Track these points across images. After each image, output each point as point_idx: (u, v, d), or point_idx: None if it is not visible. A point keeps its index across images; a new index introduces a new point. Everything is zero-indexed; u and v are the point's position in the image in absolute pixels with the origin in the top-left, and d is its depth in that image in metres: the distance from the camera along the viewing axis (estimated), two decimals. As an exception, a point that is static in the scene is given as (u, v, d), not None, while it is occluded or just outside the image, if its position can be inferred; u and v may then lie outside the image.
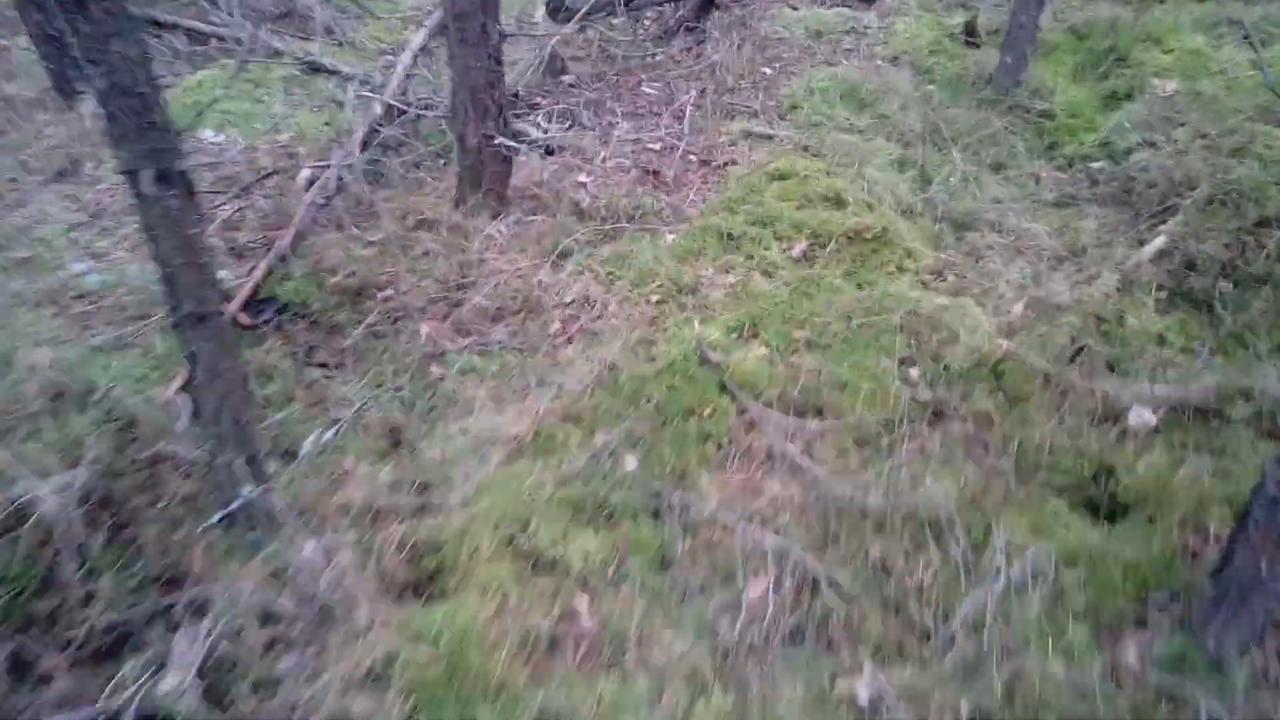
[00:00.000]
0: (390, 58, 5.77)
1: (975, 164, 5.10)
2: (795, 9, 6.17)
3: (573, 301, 3.81)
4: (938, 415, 3.28)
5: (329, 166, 4.41)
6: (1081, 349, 3.75)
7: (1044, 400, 3.41)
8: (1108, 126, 5.28)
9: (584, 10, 5.61)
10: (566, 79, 5.74)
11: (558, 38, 5.43)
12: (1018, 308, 3.93)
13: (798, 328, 3.57)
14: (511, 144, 4.10)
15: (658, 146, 4.94)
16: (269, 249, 4.02)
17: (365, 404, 3.55)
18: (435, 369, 3.71)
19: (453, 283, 4.09)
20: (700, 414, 3.17)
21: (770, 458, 3.10)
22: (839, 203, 4.31)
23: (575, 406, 3.19)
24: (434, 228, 4.29)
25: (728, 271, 3.90)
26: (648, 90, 5.65)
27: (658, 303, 3.72)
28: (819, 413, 3.27)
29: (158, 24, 5.72)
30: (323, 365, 3.79)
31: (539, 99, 5.61)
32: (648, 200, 4.28)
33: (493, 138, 4.08)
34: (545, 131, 4.94)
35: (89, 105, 4.90)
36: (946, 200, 4.69)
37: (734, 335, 3.55)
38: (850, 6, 6.50)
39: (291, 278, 3.92)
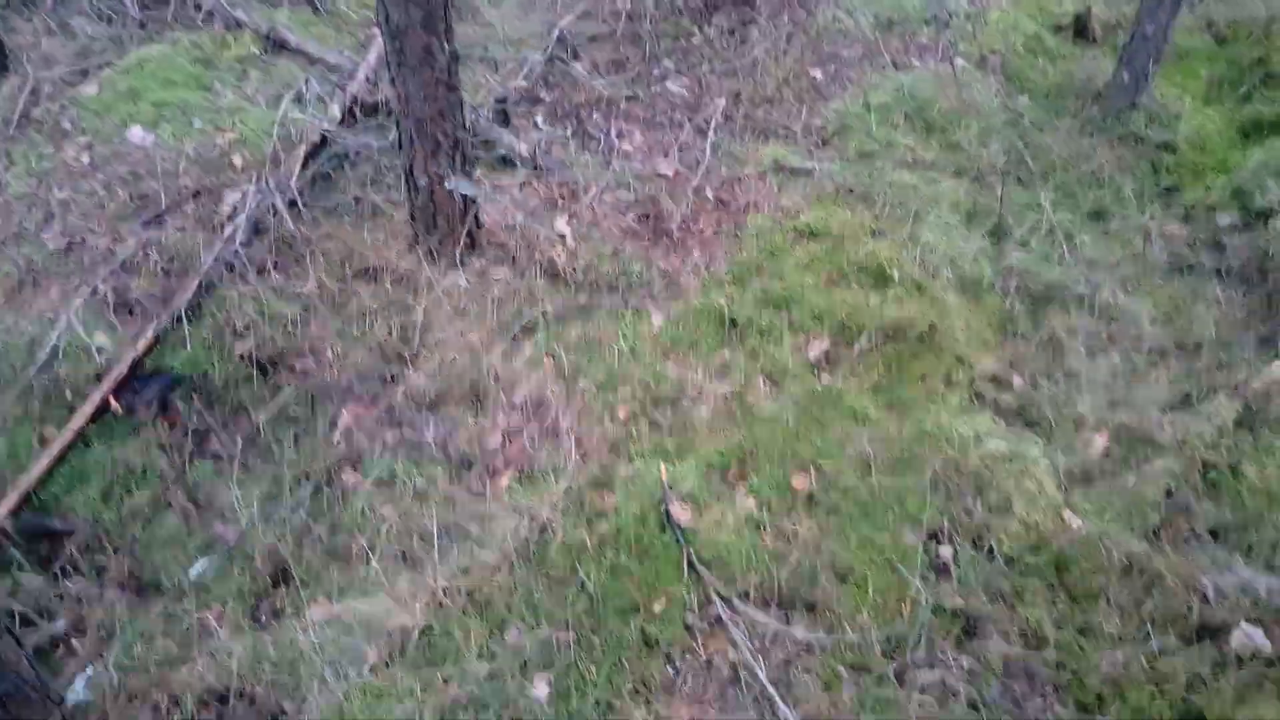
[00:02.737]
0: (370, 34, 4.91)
1: (1069, 210, 4.08)
2: (866, -13, 5.08)
3: (523, 404, 3.02)
4: (970, 630, 2.43)
5: (261, 190, 3.64)
6: (1176, 509, 2.86)
7: (1119, 597, 2.53)
8: (1245, 169, 4.17)
9: (602, -14, 4.65)
10: (578, 66, 4.82)
11: (566, 21, 4.50)
12: (1099, 443, 3.01)
13: (799, 472, 2.73)
14: (466, 190, 3.26)
15: (670, 172, 4.03)
16: (167, 303, 3.29)
17: (251, 523, 2.86)
18: (349, 476, 2.98)
19: (390, 352, 3.33)
20: (649, 609, 2.38)
21: (734, 683, 2.32)
22: (880, 278, 3.38)
23: (486, 585, 2.42)
24: (378, 278, 3.52)
25: (722, 376, 3.05)
26: (673, 88, 4.70)
27: (626, 418, 2.90)
28: (810, 610, 2.45)
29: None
30: (216, 457, 3.09)
31: (542, 93, 4.71)
32: (636, 266, 3.42)
33: (445, 178, 3.25)
34: (536, 144, 4.07)
35: None
36: (1025, 265, 3.71)
37: (715, 478, 2.72)
38: (935, -16, 5.36)
39: (189, 344, 3.20)
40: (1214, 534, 2.78)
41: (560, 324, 3.27)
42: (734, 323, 3.20)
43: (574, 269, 3.41)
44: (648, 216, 3.72)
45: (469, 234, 3.49)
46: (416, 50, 2.99)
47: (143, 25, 4.79)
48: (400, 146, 3.29)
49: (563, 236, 3.51)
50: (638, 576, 2.43)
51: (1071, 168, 4.25)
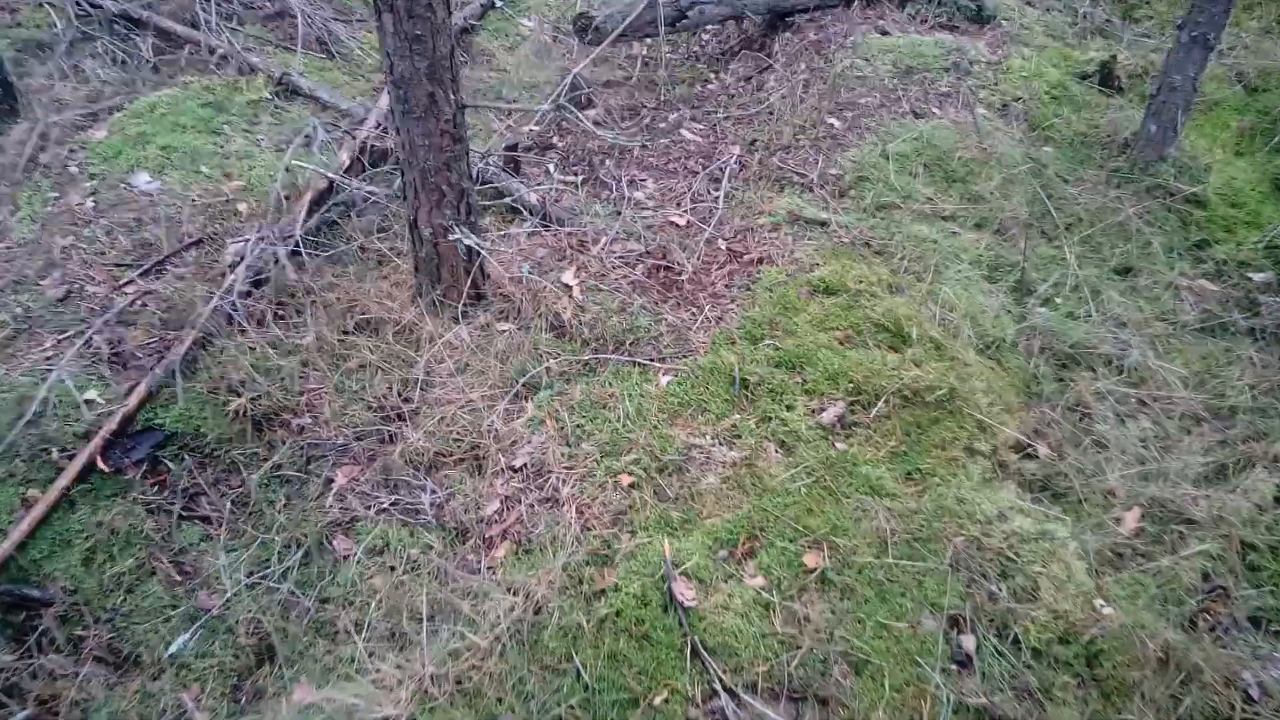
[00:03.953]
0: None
1: (1095, 265, 3.94)
2: (886, 33, 4.99)
3: (522, 468, 2.89)
4: (995, 730, 2.26)
5: (263, 238, 3.56)
6: (1214, 594, 2.69)
7: (1155, 693, 2.36)
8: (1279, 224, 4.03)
9: (617, 33, 4.58)
10: (591, 114, 4.75)
11: (581, 66, 4.43)
12: (1130, 520, 2.85)
13: (812, 549, 2.58)
14: (473, 242, 3.16)
15: (683, 222, 3.93)
16: (162, 356, 3.21)
17: (237, 593, 2.74)
18: (341, 543, 2.86)
19: (389, 410, 3.22)
20: (649, 702, 2.23)
21: (739, 787, 2.16)
22: (898, 337, 3.24)
23: (476, 673, 2.28)
24: (379, 330, 3.42)
25: (731, 442, 2.91)
26: (687, 135, 4.62)
27: (629, 486, 2.77)
28: (823, 705, 2.29)
29: (131, 20, 4.94)
30: (205, 520, 2.98)
31: (555, 139, 4.64)
32: (644, 320, 3.30)
33: (449, 229, 3.15)
34: (546, 193, 3.98)
35: None
36: (1049, 324, 3.57)
37: (722, 552, 2.58)
38: (956, 30, 5.27)
39: (182, 399, 3.10)
40: (1255, 622, 2.61)
41: (564, 382, 3.16)
42: (745, 383, 3.07)
43: (580, 323, 3.30)
44: (658, 269, 3.61)
45: (474, 286, 3.40)
46: (421, 100, 2.91)
47: (155, 69, 4.77)
48: (404, 197, 3.21)
49: (569, 289, 3.40)
50: (638, 665, 2.28)
51: (1097, 221, 4.11)
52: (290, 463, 3.08)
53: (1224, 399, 3.37)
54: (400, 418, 3.21)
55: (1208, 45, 3.95)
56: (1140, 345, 3.54)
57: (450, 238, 3.15)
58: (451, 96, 2.95)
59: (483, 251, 3.20)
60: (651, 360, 3.17)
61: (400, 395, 3.27)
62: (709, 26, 5.41)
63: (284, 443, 3.13)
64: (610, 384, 3.09)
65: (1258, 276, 3.93)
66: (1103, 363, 3.51)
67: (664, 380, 3.08)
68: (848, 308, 3.34)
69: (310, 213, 3.75)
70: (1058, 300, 3.75)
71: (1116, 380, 3.40)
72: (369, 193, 3.86)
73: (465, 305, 3.40)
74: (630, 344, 3.22)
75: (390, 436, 3.16)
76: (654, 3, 4.65)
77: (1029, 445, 3.07)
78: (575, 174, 4.37)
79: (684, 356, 3.18)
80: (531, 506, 2.76)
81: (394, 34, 2.77)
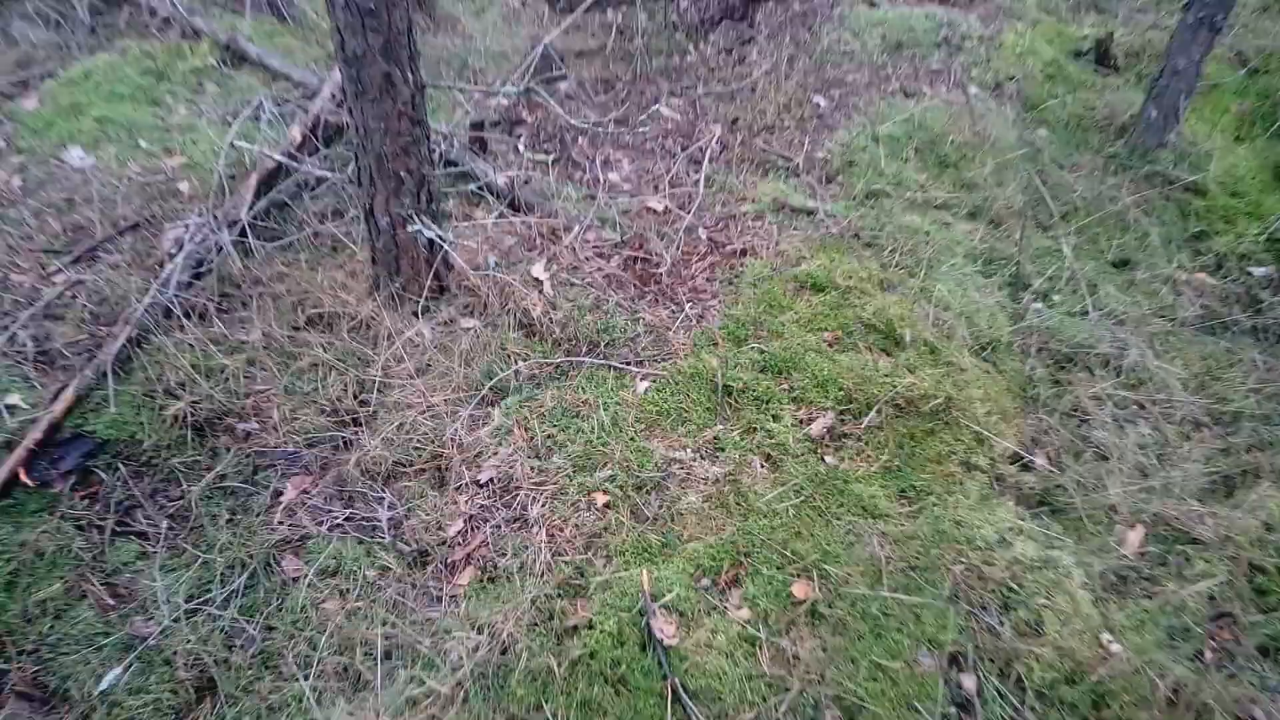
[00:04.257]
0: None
1: (1092, 258, 3.76)
2: (874, 5, 4.74)
3: (488, 483, 2.67)
4: (998, 780, 2.11)
5: (206, 223, 3.28)
6: (1221, 621, 2.56)
7: (1164, 732, 2.22)
8: (1281, 215, 3.88)
9: (589, 1, 4.29)
10: (563, 87, 4.46)
11: (552, 35, 4.14)
12: (1133, 539, 2.70)
13: (801, 577, 2.40)
14: (434, 234, 2.91)
15: (661, 208, 3.69)
16: (93, 355, 2.93)
17: (176, 620, 2.51)
18: (290, 563, 2.63)
19: (344, 414, 2.98)
20: (624, 754, 2.04)
21: None
22: (890, 338, 3.05)
23: (436, 721, 2.08)
24: (333, 325, 3.17)
25: (714, 456, 2.71)
26: (665, 111, 4.35)
27: (604, 506, 2.56)
28: (814, 753, 2.12)
29: (65, -20, 4.56)
30: (141, 536, 2.73)
31: (525, 114, 4.35)
32: (620, 319, 3.07)
33: (408, 219, 2.90)
34: (514, 176, 3.72)
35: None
36: (1046, 322, 3.39)
37: (705, 581, 2.39)
38: (947, 2, 5.03)
39: (116, 403, 2.83)
40: (1263, 651, 2.48)
41: (534, 387, 2.93)
42: (728, 390, 2.86)
43: (551, 321, 3.06)
44: (635, 260, 3.38)
45: (436, 279, 3.15)
46: (376, 80, 2.63)
47: (93, 31, 4.41)
48: (359, 183, 2.94)
49: (539, 283, 3.16)
50: (613, 714, 2.09)
51: (1094, 210, 3.93)
52: (235, 473, 2.84)
53: (1226, 403, 3.23)
54: (356, 423, 2.98)
55: (1214, 27, 3.76)
56: (1139, 345, 3.38)
57: (409, 229, 2.89)
58: (410, 76, 2.67)
59: (445, 244, 2.94)
60: (628, 364, 2.95)
61: (356, 397, 3.03)
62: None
63: (228, 450, 2.88)
64: (584, 389, 2.87)
65: (1258, 271, 3.79)
66: (1100, 363, 3.35)
67: (641, 386, 2.86)
68: (837, 306, 3.14)
69: (258, 194, 3.46)
70: (1054, 296, 3.58)
71: (1115, 383, 3.24)
72: (320, 176, 3.57)
73: (427, 299, 3.16)
74: (605, 345, 3.00)
75: (345, 443, 2.92)
76: (631, -32, 4.36)
77: (1027, 457, 2.91)
78: (546, 152, 4.10)
79: (663, 360, 2.96)
80: (498, 528, 2.54)
81: (344, 6, 2.49)
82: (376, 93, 2.66)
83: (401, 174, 2.86)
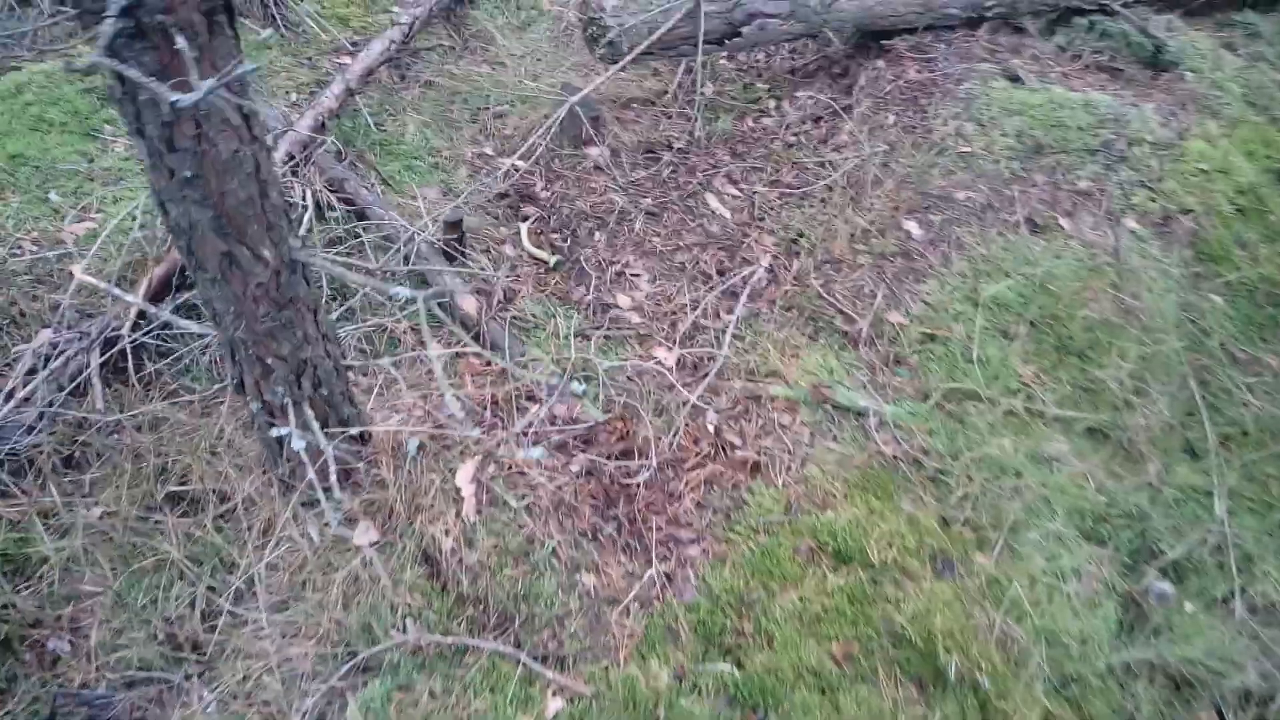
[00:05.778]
0: (339, 64, 3.71)
1: (1257, 512, 2.71)
2: (1016, 80, 3.61)
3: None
4: None
5: (77, 336, 2.59)
6: None
7: None
8: None
9: (637, 51, 3.33)
10: (593, 153, 3.55)
11: (582, 95, 3.24)
12: None
13: None
14: (306, 443, 2.11)
15: (671, 361, 2.81)
16: (-118, 529, 2.30)
17: None
18: None
19: (182, 642, 2.30)
20: None
21: None
22: (928, 662, 2.13)
23: None
24: (198, 507, 2.46)
25: None
26: (713, 203, 3.40)
27: None
28: None
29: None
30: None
31: (539, 187, 3.47)
32: (548, 585, 2.24)
33: (274, 416, 2.12)
34: (485, 300, 2.89)
35: None
36: (1169, 612, 2.40)
37: None
38: (1119, 75, 3.84)
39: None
40: None
41: (414, 668, 2.15)
42: (671, 736, 2.02)
43: (461, 565, 2.26)
44: (607, 459, 2.52)
45: (343, 469, 2.37)
46: (213, 259, 1.83)
47: (54, 22, 3.72)
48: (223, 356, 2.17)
49: (460, 501, 2.36)
50: None
51: (1271, 438, 2.84)
52: (28, 717, 2.19)
53: None
54: (197, 655, 2.28)
55: None
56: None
57: (272, 434, 2.12)
58: (266, 253, 1.85)
59: (326, 452, 2.15)
60: (543, 660, 2.13)
61: (204, 618, 2.32)
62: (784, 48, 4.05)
63: (27, 677, 2.23)
64: (474, 692, 2.07)
65: None
66: (1238, 701, 2.35)
67: (551, 709, 2.05)
68: (861, 598, 2.23)
69: (158, 295, 2.74)
70: (1192, 579, 2.56)
71: (1254, 743, 2.24)
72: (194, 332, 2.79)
73: (324, 492, 2.39)
74: (521, 623, 2.18)
75: (173, 690, 2.23)
76: (695, 12, 3.36)
77: None
78: (552, 249, 3.24)
79: (594, 659, 2.13)
80: None
81: (154, 169, 1.67)
82: (216, 273, 1.86)
83: (269, 360, 2.07)
